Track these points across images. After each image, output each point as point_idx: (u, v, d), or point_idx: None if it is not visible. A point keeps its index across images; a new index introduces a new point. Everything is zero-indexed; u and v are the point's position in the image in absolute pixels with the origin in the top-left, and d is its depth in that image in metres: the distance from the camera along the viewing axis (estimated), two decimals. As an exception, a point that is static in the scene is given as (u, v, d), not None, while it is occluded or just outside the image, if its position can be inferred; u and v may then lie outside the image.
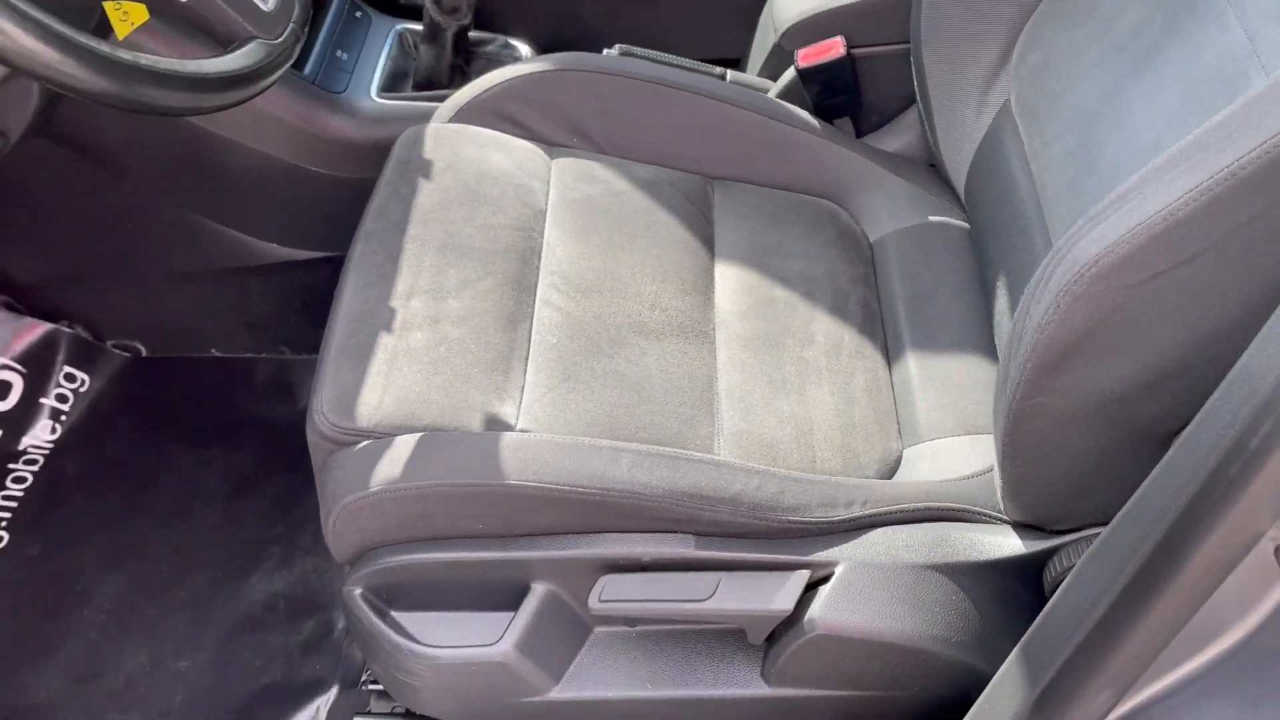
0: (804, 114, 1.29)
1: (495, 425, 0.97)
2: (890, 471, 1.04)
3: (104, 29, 1.06)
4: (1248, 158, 0.64)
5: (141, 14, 1.05)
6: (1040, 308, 0.75)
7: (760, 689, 0.97)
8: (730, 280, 1.17)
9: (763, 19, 1.43)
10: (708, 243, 1.21)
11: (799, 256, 1.20)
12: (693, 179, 1.26)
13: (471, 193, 1.16)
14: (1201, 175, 0.66)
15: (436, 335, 1.03)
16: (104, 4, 1.01)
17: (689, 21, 1.54)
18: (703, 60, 1.40)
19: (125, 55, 0.79)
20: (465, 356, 1.01)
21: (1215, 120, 0.68)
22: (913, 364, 1.12)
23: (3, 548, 1.41)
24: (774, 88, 1.35)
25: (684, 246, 1.18)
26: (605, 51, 1.34)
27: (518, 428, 0.97)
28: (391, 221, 1.12)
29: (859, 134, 1.35)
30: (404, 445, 0.93)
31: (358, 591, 0.97)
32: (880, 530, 0.94)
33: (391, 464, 0.92)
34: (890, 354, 1.15)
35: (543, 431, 0.97)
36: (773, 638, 0.95)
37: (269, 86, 0.91)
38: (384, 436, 0.95)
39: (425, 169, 1.18)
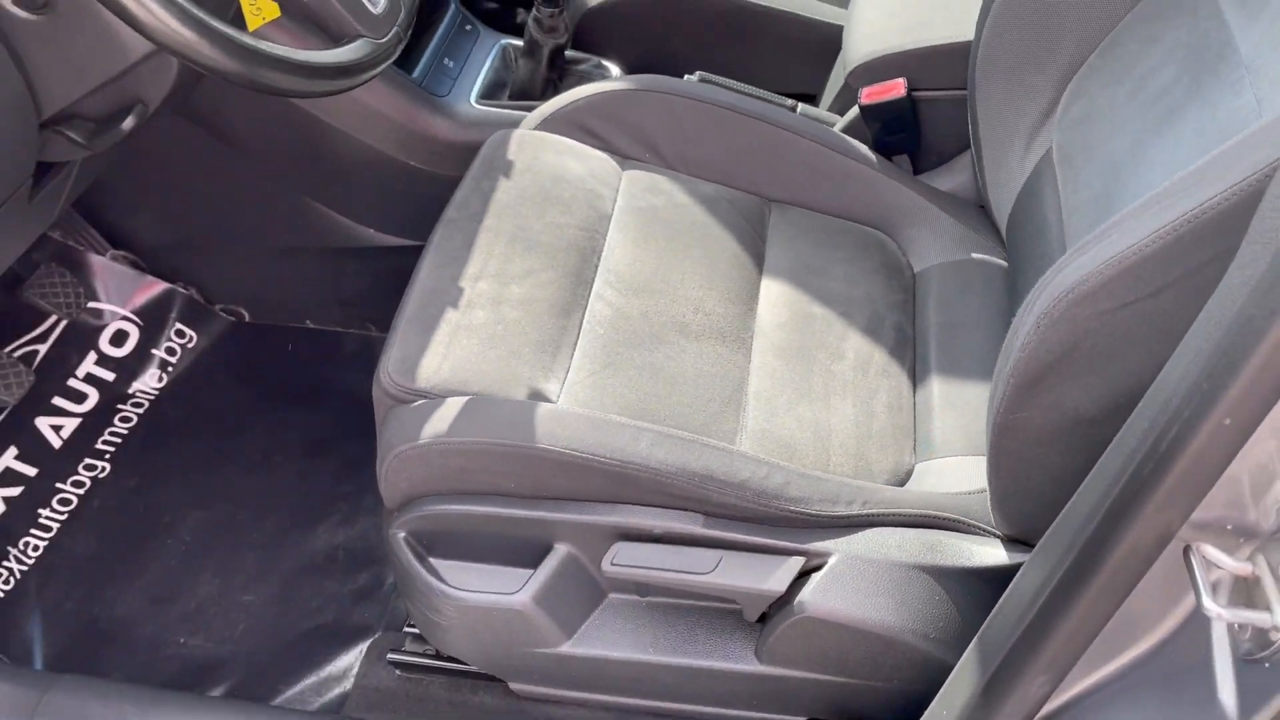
0: (863, 148, 1.37)
1: (537, 398, 1.07)
2: (900, 482, 1.11)
3: (241, 20, 1.22)
4: (1209, 203, 0.71)
5: (274, 10, 1.20)
6: (1024, 328, 0.82)
7: (753, 665, 1.05)
8: (774, 294, 1.26)
9: (839, 59, 1.52)
10: (758, 258, 1.29)
11: (842, 279, 1.28)
12: (752, 199, 1.36)
13: (545, 193, 1.27)
14: (1170, 216, 0.73)
15: (496, 315, 1.14)
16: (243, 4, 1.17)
17: (771, 57, 1.64)
18: (780, 93, 1.50)
19: (249, 41, 0.93)
20: (520, 336, 1.12)
21: (1191, 169, 0.75)
22: (936, 386, 1.19)
23: (104, 478, 1.57)
24: (839, 122, 1.44)
25: (734, 259, 1.27)
26: (686, 77, 1.45)
27: (558, 403, 1.07)
28: (470, 212, 1.24)
29: (916, 171, 1.43)
30: (453, 406, 1.04)
31: (401, 535, 1.08)
32: (876, 530, 1.01)
33: (440, 421, 1.03)
34: (917, 376, 1.22)
35: (579, 408, 1.07)
36: (766, 618, 1.03)
37: (370, 79, 1.04)
38: (438, 398, 1.06)
39: (507, 169, 1.30)
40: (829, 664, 1.02)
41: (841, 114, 1.45)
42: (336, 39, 1.02)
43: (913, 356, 1.24)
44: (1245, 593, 0.64)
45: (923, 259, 1.34)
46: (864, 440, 1.12)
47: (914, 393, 1.20)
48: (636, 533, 1.02)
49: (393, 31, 1.04)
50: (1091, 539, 0.67)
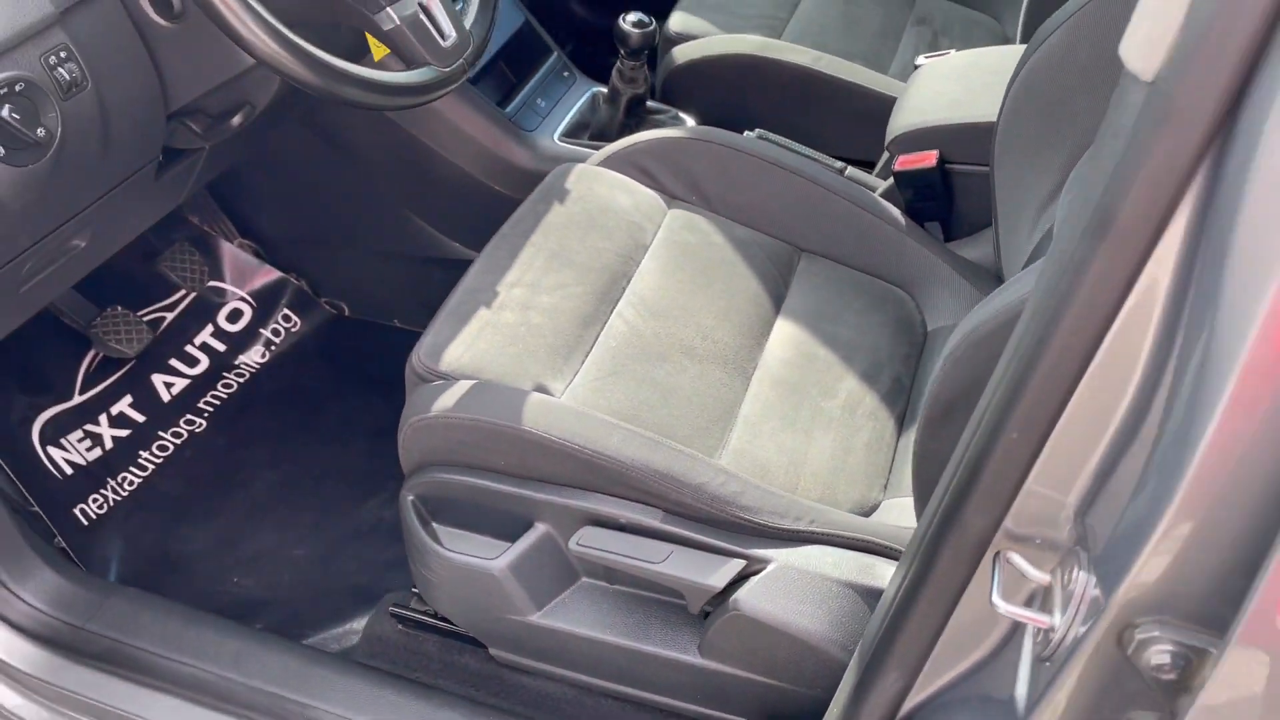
0: (894, 211, 1.46)
1: (540, 392, 1.20)
2: (863, 514, 1.19)
3: (358, 53, 1.42)
4: (1085, 262, 0.79)
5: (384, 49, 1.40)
6: (936, 367, 0.91)
7: (695, 657, 1.14)
8: (784, 333, 1.36)
9: (891, 129, 1.63)
10: (777, 300, 1.40)
11: (853, 327, 1.38)
12: (784, 246, 1.47)
13: (591, 220, 1.42)
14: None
15: (523, 318, 1.28)
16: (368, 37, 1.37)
17: (837, 122, 1.75)
18: (843, 157, 1.61)
19: (328, 59, 1.11)
20: (539, 339, 1.26)
21: (1085, 234, 0.83)
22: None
23: (199, 433, 1.78)
24: (881, 186, 1.53)
25: (753, 298, 1.38)
26: (745, 133, 1.58)
27: (558, 399, 1.20)
28: (522, 229, 1.40)
29: (947, 238, 1.51)
30: (462, 386, 1.18)
31: (410, 498, 1.23)
32: (817, 547, 1.10)
33: (449, 398, 1.17)
34: (905, 423, 1.30)
35: (573, 405, 1.19)
36: (708, 615, 1.12)
37: (430, 101, 1.21)
38: (455, 380, 1.21)
39: (562, 196, 1.45)
40: (759, 664, 1.11)
41: (886, 179, 1.55)
42: (408, 64, 1.20)
43: (905, 405, 1.32)
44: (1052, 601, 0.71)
45: (937, 319, 1.42)
46: (836, 472, 1.21)
47: (898, 437, 1.28)
48: (604, 520, 1.14)
49: (458, 63, 1.21)
50: (929, 544, 0.76)
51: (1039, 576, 0.70)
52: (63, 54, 1.07)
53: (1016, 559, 0.71)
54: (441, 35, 1.20)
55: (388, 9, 1.15)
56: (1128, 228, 0.56)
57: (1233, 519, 0.54)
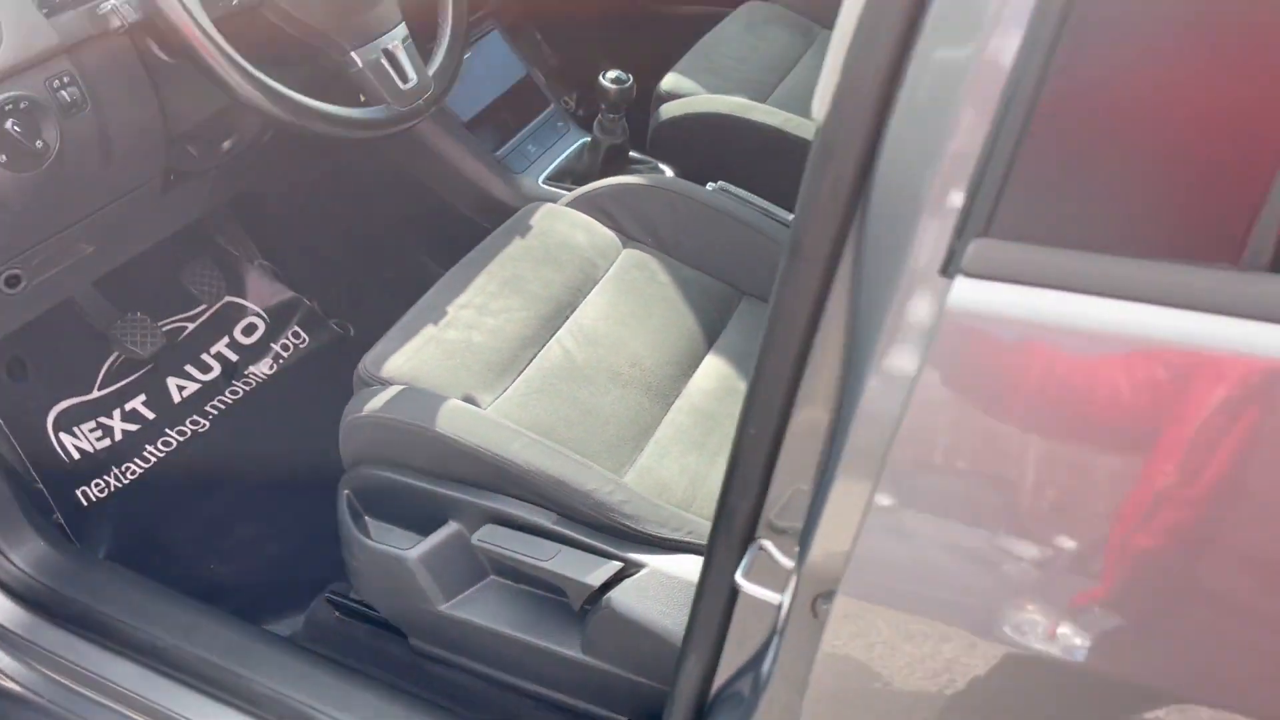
0: (831, 262, 1.56)
1: (468, 403, 1.32)
2: (752, 535, 1.28)
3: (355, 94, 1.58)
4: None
5: None
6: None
7: (577, 652, 1.23)
8: (711, 367, 1.46)
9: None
10: (711, 337, 1.50)
11: (776, 366, 1.47)
12: (727, 289, 1.57)
13: (547, 253, 1.54)
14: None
15: (465, 336, 1.41)
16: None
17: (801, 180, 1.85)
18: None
19: (295, 96, 1.27)
20: (477, 357, 1.38)
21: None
22: (818, 467, 1.34)
23: (202, 432, 1.94)
24: (827, 239, 1.63)
25: (687, 332, 1.49)
26: (709, 185, 1.69)
27: (483, 410, 1.32)
28: (482, 258, 1.53)
29: (884, 291, 1.59)
30: (393, 390, 1.31)
31: (346, 492, 1.35)
32: (691, 556, 1.18)
33: (379, 400, 1.30)
34: (810, 457, 1.38)
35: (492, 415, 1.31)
36: (587, 613, 1.22)
37: (386, 134, 1.36)
38: (391, 385, 1.34)
39: (525, 231, 1.58)
40: (632, 663, 1.19)
41: (834, 233, 1.65)
42: (370, 102, 1.35)
43: (814, 440, 1.40)
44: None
45: (861, 364, 1.50)
46: (732, 494, 1.30)
47: (801, 469, 1.36)
48: (505, 518, 1.24)
49: (415, 104, 1.36)
50: (711, 534, 0.85)
51: (785, 562, 0.79)
52: (66, 79, 1.24)
53: (768, 545, 0.79)
54: (402, 78, 1.34)
55: (352, 53, 1.30)
56: (810, 251, 0.66)
57: (864, 499, 0.63)
